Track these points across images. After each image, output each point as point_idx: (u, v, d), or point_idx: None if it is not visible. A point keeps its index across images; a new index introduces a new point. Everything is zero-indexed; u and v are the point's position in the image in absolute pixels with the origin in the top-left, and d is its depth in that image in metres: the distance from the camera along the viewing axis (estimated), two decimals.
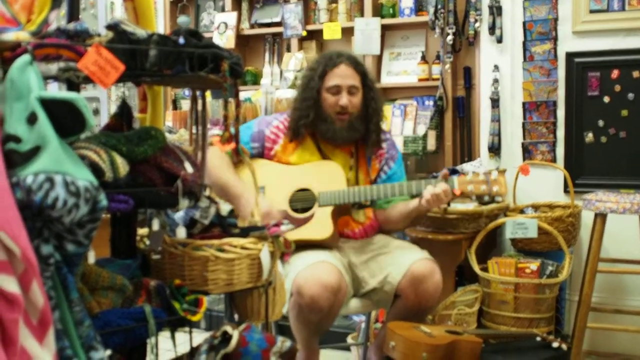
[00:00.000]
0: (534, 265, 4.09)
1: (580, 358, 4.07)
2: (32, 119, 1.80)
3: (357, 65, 3.60)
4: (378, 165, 3.70)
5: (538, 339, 3.60)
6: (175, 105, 5.84)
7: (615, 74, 4.43)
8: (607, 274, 4.32)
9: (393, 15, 5.14)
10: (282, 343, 2.37)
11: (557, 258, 4.16)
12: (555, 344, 3.52)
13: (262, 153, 3.65)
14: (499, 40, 4.69)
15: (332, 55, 3.63)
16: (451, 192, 3.39)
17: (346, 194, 3.49)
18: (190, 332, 2.40)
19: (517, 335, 3.79)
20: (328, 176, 3.55)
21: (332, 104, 3.54)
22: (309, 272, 3.22)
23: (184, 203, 2.27)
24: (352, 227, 3.66)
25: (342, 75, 3.55)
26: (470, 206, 4.20)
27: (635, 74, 4.39)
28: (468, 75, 4.93)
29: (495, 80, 4.72)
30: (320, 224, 3.49)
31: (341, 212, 3.58)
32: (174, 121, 5.43)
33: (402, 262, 3.41)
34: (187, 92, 5.61)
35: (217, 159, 3.32)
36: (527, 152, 4.68)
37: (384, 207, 3.66)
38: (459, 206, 4.19)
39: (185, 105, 5.66)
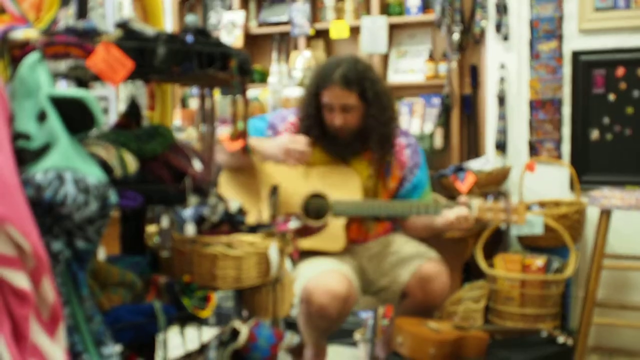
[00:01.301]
0: (540, 261, 4.10)
1: (586, 353, 4.08)
2: (42, 117, 1.82)
3: (349, 84, 3.38)
4: (400, 173, 3.59)
5: (544, 334, 3.60)
6: (184, 103, 5.84)
7: (620, 71, 4.43)
8: (613, 270, 4.33)
9: (400, 14, 5.14)
10: (291, 338, 2.39)
11: (563, 254, 4.16)
12: (560, 340, 3.52)
13: None
14: (505, 39, 4.70)
15: (327, 72, 3.44)
16: (472, 219, 3.30)
17: (361, 208, 3.42)
18: (200, 328, 2.42)
19: (523, 331, 3.79)
20: (344, 183, 3.47)
21: (329, 121, 3.45)
22: (319, 281, 3.21)
23: (193, 200, 2.29)
24: (365, 236, 3.61)
25: (333, 96, 3.40)
26: None
27: None
28: (474, 74, 4.93)
29: (502, 78, 4.73)
30: (333, 236, 3.43)
31: (354, 220, 3.53)
32: (182, 119, 5.44)
33: (410, 262, 3.40)
34: (196, 90, 5.62)
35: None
36: (533, 149, 4.69)
37: (406, 216, 3.59)
38: None
39: (194, 103, 5.67)
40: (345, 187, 3.47)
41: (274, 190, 3.41)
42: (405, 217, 3.55)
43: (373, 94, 3.44)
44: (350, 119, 3.43)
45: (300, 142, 3.38)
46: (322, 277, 3.23)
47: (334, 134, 3.47)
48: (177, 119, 5.37)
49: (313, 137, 3.48)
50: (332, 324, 3.25)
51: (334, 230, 3.44)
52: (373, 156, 3.54)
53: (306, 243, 3.29)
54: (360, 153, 3.53)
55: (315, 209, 3.48)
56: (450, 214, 3.30)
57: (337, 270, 3.28)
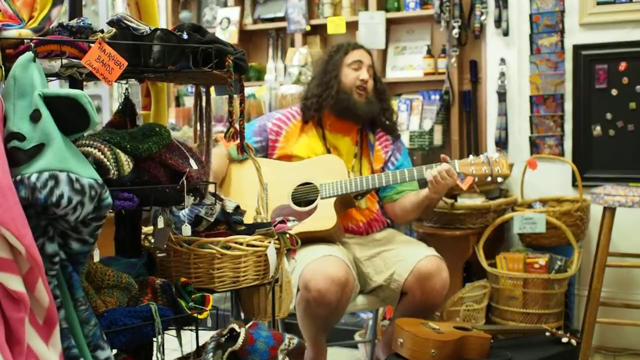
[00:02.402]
0: (542, 260, 4.07)
1: (590, 353, 4.05)
2: (35, 117, 1.79)
3: (370, 54, 3.84)
4: (384, 155, 3.72)
5: (547, 334, 3.59)
6: (179, 102, 5.82)
7: (622, 66, 4.40)
8: (616, 268, 4.29)
9: (398, 9, 5.11)
10: (290, 340, 2.36)
11: (566, 253, 4.14)
12: (564, 339, 3.51)
13: (266, 147, 3.68)
14: (505, 33, 4.67)
15: (351, 42, 3.92)
16: (455, 172, 3.37)
17: (348, 184, 3.47)
18: (197, 331, 2.38)
19: (526, 330, 3.77)
20: (330, 169, 3.55)
21: (354, 78, 3.68)
22: (316, 266, 3.21)
23: (189, 200, 2.26)
24: (356, 222, 3.66)
25: (363, 55, 3.76)
26: (478, 201, 4.19)
27: None
28: (474, 69, 4.91)
29: (502, 74, 4.70)
30: (324, 215, 3.47)
31: (344, 204, 3.57)
32: (177, 118, 5.42)
33: (408, 259, 3.39)
34: (190, 88, 5.59)
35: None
36: (535, 146, 4.66)
37: (395, 199, 3.68)
38: (466, 201, 4.17)
39: (189, 102, 5.65)
40: (333, 173, 3.54)
41: (264, 186, 3.44)
42: (391, 186, 3.64)
43: (378, 76, 3.87)
44: (371, 83, 3.73)
45: None
46: (320, 262, 3.24)
47: (350, 92, 3.66)
48: (171, 117, 5.34)
49: (332, 94, 3.67)
50: (331, 312, 3.24)
51: (325, 210, 3.48)
52: (359, 136, 3.74)
53: (299, 227, 3.30)
54: (370, 114, 3.72)
55: (304, 195, 3.54)
56: (433, 172, 3.37)
57: (334, 255, 3.30)
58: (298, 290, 3.24)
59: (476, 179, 3.49)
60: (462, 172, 3.41)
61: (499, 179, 3.47)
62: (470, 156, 3.48)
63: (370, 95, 3.69)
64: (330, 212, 3.48)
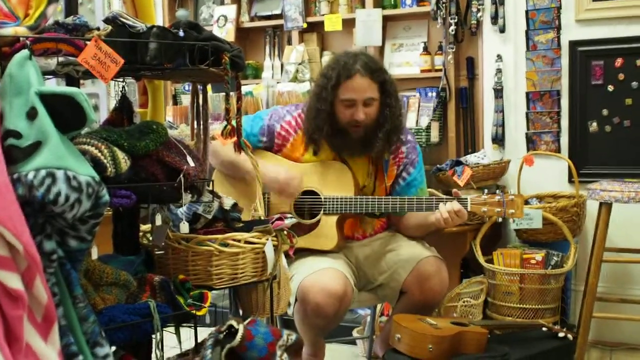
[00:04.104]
0: (539, 255, 4.08)
1: (586, 348, 4.06)
2: (32, 114, 1.79)
3: (373, 73, 3.34)
4: (396, 170, 3.55)
5: (544, 329, 3.59)
6: (176, 100, 5.81)
7: (619, 62, 4.40)
8: (613, 264, 4.30)
9: (394, 6, 5.11)
10: (288, 336, 2.36)
11: (562, 248, 4.14)
12: (561, 334, 3.51)
13: (270, 148, 3.53)
14: (502, 30, 4.67)
15: (347, 63, 3.36)
16: (465, 214, 3.26)
17: (353, 204, 3.37)
18: (195, 327, 2.39)
19: (523, 325, 3.77)
20: (335, 179, 3.44)
21: (347, 117, 3.35)
22: (314, 279, 3.18)
23: (187, 198, 2.26)
24: (361, 232, 3.60)
25: (357, 89, 3.32)
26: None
27: (639, 62, 4.36)
28: (471, 66, 4.91)
29: (499, 70, 4.70)
30: (325, 234, 3.41)
31: (348, 216, 3.50)
32: (174, 116, 5.41)
33: (409, 259, 3.37)
34: (187, 87, 5.58)
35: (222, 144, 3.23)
36: (531, 142, 4.66)
37: (402, 215, 3.59)
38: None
39: (186, 100, 5.64)
40: (337, 183, 3.44)
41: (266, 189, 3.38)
42: (398, 213, 3.52)
43: (390, 84, 3.41)
44: (370, 113, 3.36)
45: (294, 187, 3.41)
46: (318, 275, 3.21)
47: (345, 129, 3.38)
48: (168, 116, 5.34)
49: (323, 135, 3.40)
50: (329, 322, 3.23)
51: (326, 229, 3.42)
52: (373, 153, 3.49)
53: (299, 241, 3.25)
54: (367, 149, 3.43)
55: (308, 206, 3.46)
56: (442, 210, 3.26)
57: (333, 268, 3.26)
58: (296, 300, 3.24)
59: (487, 219, 3.43)
60: (473, 211, 3.30)
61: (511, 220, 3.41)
62: (485, 191, 3.34)
63: (369, 129, 3.37)
64: (332, 232, 3.41)
